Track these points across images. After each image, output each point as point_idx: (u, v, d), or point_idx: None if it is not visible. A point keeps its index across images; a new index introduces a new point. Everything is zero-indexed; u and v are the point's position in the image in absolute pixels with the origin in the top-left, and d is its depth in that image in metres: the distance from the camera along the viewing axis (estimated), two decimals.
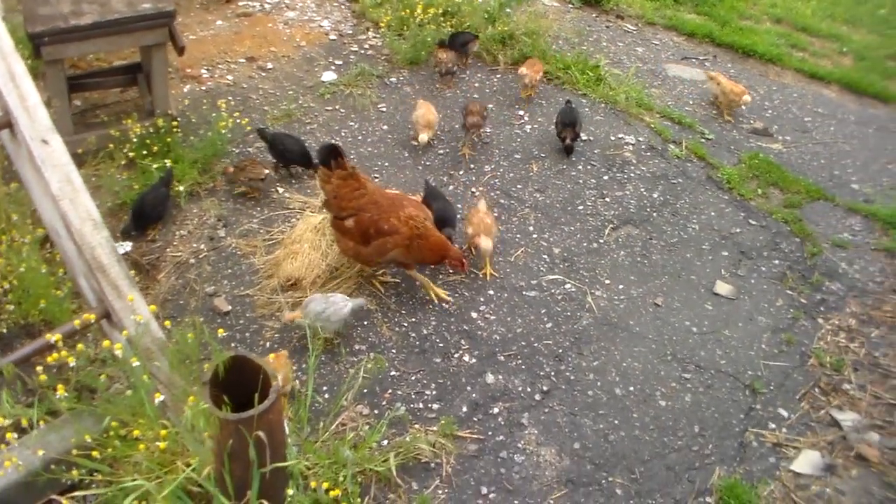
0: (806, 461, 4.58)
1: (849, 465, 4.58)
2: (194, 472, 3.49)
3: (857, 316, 5.59)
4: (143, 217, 5.52)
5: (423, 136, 6.43)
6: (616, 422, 4.64)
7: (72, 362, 3.46)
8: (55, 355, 3.51)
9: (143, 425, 3.64)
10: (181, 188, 5.81)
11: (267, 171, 5.96)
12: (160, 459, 3.62)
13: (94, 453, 3.53)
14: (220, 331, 4.64)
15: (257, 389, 3.24)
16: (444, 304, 5.24)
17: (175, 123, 6.07)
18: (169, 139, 5.97)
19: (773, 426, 4.75)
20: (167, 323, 3.97)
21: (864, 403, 4.96)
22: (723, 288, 5.64)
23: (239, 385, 3.45)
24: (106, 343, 3.76)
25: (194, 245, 5.57)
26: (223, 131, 6.12)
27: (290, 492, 3.47)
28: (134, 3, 5.72)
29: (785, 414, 4.83)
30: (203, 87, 7.11)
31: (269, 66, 7.51)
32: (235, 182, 5.96)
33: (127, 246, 5.51)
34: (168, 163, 5.86)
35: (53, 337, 3.60)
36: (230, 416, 3.33)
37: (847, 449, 4.66)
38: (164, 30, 5.83)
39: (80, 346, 3.66)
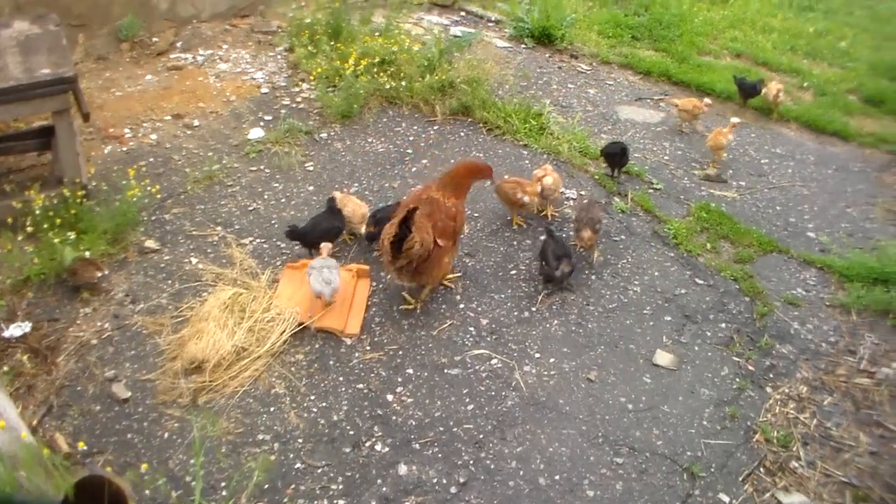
0: None
1: None
2: None
3: (808, 382, 5.20)
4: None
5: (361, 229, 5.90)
6: None
7: None
8: None
9: None
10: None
11: (100, 274, 5.41)
12: None
13: None
14: (81, 444, 4.27)
15: None
16: (366, 377, 4.88)
17: (81, 193, 5.71)
18: (74, 210, 5.61)
19: None
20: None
21: (812, 483, 4.57)
22: (663, 358, 5.25)
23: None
24: None
25: (98, 323, 5.21)
26: (134, 199, 5.79)
27: None
28: (32, 70, 5.42)
29: (726, 499, 4.42)
30: (124, 149, 6.78)
31: (196, 123, 7.19)
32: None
33: (26, 327, 5.17)
34: (72, 235, 5.51)
35: None
36: None
37: None
38: (66, 96, 5.52)
39: None
